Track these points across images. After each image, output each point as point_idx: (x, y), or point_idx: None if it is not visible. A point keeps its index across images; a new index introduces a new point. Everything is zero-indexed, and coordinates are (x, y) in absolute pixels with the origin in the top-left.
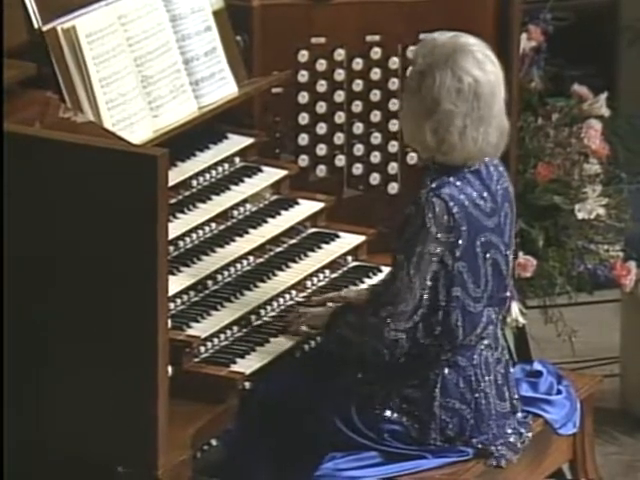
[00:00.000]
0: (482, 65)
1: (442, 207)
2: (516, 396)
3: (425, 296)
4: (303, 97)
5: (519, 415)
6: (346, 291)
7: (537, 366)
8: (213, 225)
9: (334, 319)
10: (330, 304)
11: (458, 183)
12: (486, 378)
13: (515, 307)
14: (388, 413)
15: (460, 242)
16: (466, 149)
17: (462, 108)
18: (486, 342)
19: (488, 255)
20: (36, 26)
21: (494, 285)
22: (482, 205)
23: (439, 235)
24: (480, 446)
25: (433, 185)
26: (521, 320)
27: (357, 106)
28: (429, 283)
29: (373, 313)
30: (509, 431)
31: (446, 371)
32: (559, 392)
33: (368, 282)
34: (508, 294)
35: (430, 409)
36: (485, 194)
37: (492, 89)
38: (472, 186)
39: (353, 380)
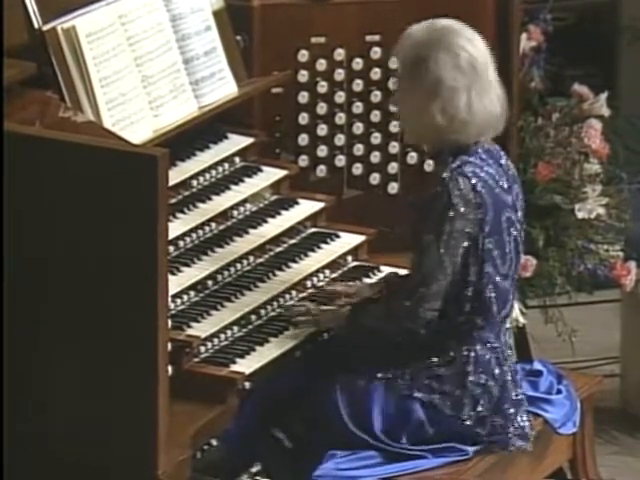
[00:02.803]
0: (472, 41)
1: (467, 184)
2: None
3: (456, 274)
4: (303, 97)
5: (526, 409)
6: (357, 286)
7: (537, 366)
8: (213, 225)
9: (355, 314)
10: (338, 304)
11: (477, 161)
12: (508, 359)
13: (515, 307)
14: (417, 394)
15: (487, 218)
16: (476, 122)
17: (463, 82)
18: (507, 325)
19: (511, 230)
20: (36, 26)
21: (515, 263)
22: (501, 182)
23: (467, 212)
24: (500, 426)
25: (454, 165)
26: (521, 320)
27: (357, 106)
28: (459, 260)
29: (406, 297)
30: (524, 417)
31: (479, 347)
32: (559, 392)
33: (374, 277)
34: (518, 275)
35: (463, 384)
36: (500, 171)
37: (485, 61)
38: (489, 165)
39: (374, 367)
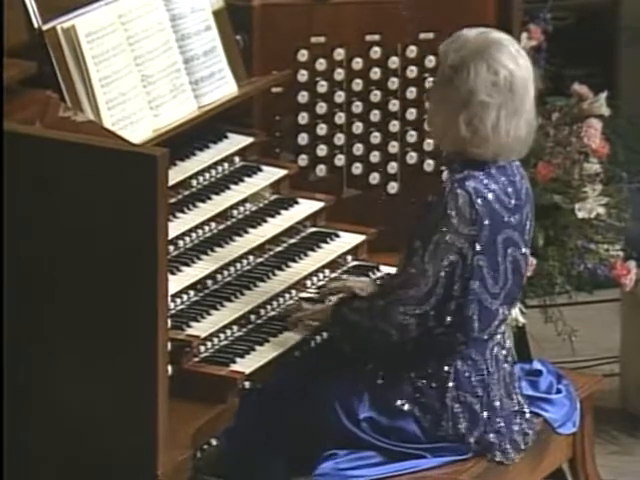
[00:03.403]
0: (516, 59)
1: (466, 199)
2: (520, 395)
3: (439, 285)
4: (303, 97)
5: (527, 415)
6: (351, 280)
7: (537, 365)
8: (213, 225)
9: (340, 306)
10: (333, 298)
11: (483, 177)
12: (496, 375)
13: (515, 306)
14: (399, 403)
15: (481, 236)
16: (498, 142)
17: (497, 100)
18: (497, 339)
19: (509, 251)
20: (36, 25)
21: (513, 283)
22: (506, 201)
23: (460, 227)
24: (488, 442)
25: (458, 176)
26: (521, 319)
27: (357, 106)
28: (443, 273)
29: (383, 296)
30: (516, 428)
31: (459, 364)
32: (559, 391)
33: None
34: (520, 294)
35: (442, 400)
36: (509, 190)
37: (525, 84)
38: (497, 182)
39: (363, 373)
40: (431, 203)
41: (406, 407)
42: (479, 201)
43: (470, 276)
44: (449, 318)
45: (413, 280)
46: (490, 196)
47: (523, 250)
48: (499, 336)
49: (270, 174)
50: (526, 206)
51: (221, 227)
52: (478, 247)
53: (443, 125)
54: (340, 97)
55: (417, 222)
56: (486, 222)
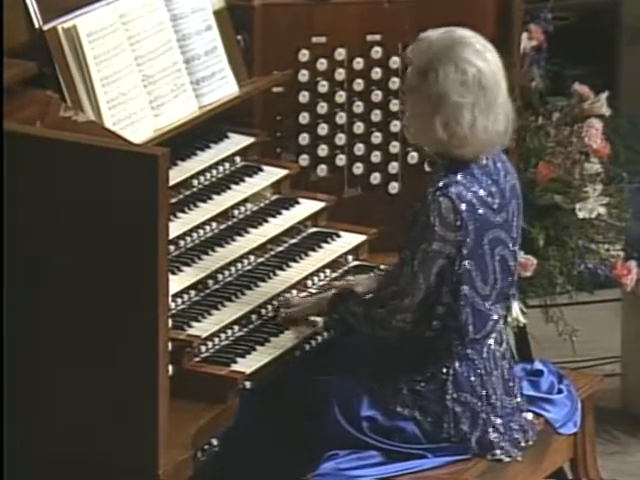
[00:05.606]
0: (483, 55)
1: (449, 206)
2: (521, 392)
3: (432, 291)
4: (304, 96)
5: (528, 415)
6: (355, 278)
7: (538, 365)
8: (214, 224)
9: (337, 305)
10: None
11: (465, 181)
12: (494, 372)
13: (516, 306)
14: (399, 409)
15: (467, 240)
16: (478, 139)
17: (469, 99)
18: (493, 337)
19: (496, 251)
20: (37, 25)
21: (502, 282)
22: (490, 202)
23: (446, 234)
24: (488, 441)
25: (440, 184)
26: (522, 319)
27: (358, 106)
28: (434, 278)
29: (381, 305)
30: (516, 427)
31: (457, 364)
32: (560, 391)
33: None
34: (513, 291)
35: (442, 402)
36: (493, 189)
37: (495, 78)
38: (480, 183)
39: (362, 376)
40: (416, 213)
41: (406, 412)
42: (462, 206)
43: (459, 281)
44: (437, 322)
45: (406, 290)
46: (474, 199)
47: (511, 247)
48: (495, 334)
49: (271, 174)
50: (511, 203)
51: (222, 227)
52: (465, 251)
53: (421, 129)
54: (341, 97)
55: (406, 231)
56: (471, 226)
